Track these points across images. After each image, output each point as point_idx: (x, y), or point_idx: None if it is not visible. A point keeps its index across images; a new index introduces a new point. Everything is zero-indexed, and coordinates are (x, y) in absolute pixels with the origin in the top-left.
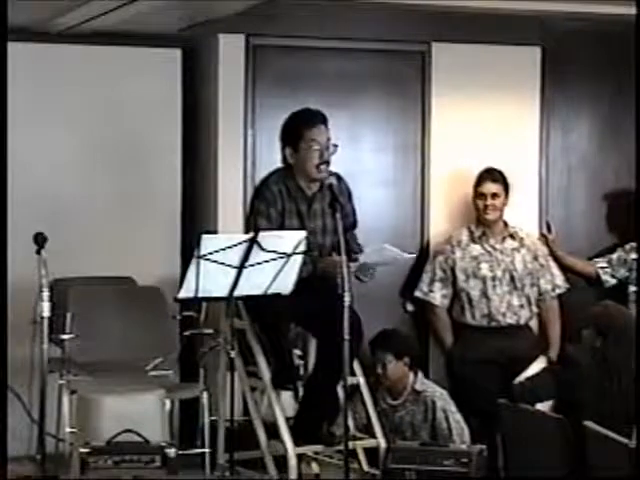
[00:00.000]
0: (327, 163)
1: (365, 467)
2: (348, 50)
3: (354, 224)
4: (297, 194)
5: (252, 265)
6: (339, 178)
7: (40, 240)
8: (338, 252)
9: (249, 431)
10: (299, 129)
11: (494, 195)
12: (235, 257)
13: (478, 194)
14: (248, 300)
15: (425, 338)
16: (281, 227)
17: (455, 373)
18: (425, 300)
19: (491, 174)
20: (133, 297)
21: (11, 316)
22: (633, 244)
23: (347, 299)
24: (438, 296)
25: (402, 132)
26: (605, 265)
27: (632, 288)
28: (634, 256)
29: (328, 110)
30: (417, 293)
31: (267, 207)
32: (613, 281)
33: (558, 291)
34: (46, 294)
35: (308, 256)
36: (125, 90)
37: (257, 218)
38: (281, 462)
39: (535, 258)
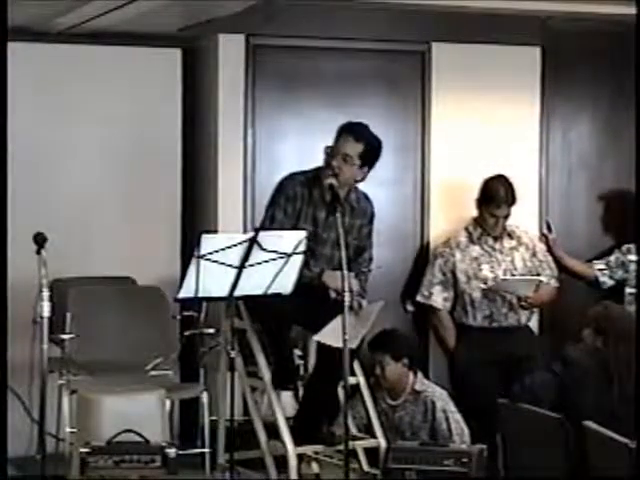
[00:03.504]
0: (335, 175)
1: (365, 467)
2: (348, 50)
3: (369, 260)
4: (318, 201)
5: (252, 265)
6: (366, 198)
7: (40, 240)
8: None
9: (249, 431)
10: (337, 135)
11: (506, 216)
12: (235, 257)
13: (491, 213)
14: (248, 300)
15: (425, 339)
16: (294, 228)
17: (457, 374)
18: (427, 304)
19: (507, 195)
20: (133, 297)
21: (11, 316)
22: (630, 245)
23: (347, 299)
24: (439, 299)
25: (402, 132)
26: (603, 267)
27: (628, 289)
28: (631, 257)
29: (328, 110)
30: (418, 297)
31: (286, 202)
32: (611, 282)
33: (557, 284)
34: (46, 294)
35: (314, 262)
36: (125, 90)
37: (275, 210)
38: (281, 462)
39: (534, 255)
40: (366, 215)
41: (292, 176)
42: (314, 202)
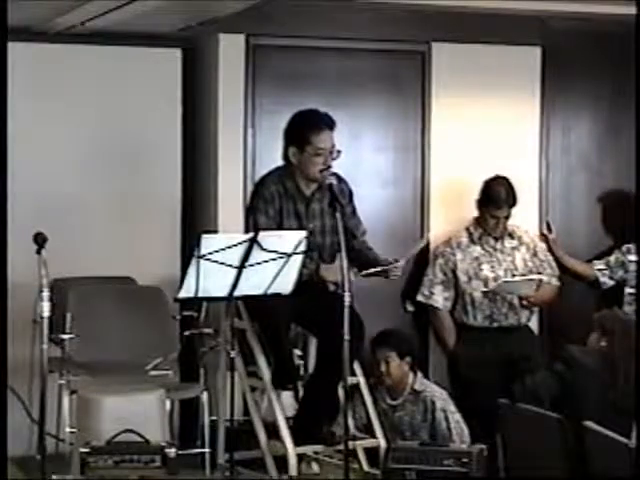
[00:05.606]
0: (329, 167)
1: (365, 467)
2: (348, 50)
3: (361, 228)
4: (295, 194)
5: (252, 265)
6: (340, 179)
7: (40, 240)
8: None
9: (249, 431)
10: (306, 132)
11: (506, 217)
12: (235, 257)
13: (491, 214)
14: (248, 300)
15: (425, 338)
16: (279, 227)
17: (457, 374)
18: (427, 304)
19: (507, 197)
20: (133, 297)
21: (11, 316)
22: (629, 245)
23: (347, 299)
24: (440, 299)
25: (402, 132)
26: (603, 267)
27: (628, 290)
28: (631, 257)
29: (328, 110)
30: (419, 297)
31: (265, 205)
32: (611, 283)
33: (558, 283)
34: (46, 294)
35: (310, 260)
36: (125, 90)
37: (257, 215)
38: (281, 462)
39: (534, 255)
40: (345, 195)
41: (263, 179)
42: (292, 196)
